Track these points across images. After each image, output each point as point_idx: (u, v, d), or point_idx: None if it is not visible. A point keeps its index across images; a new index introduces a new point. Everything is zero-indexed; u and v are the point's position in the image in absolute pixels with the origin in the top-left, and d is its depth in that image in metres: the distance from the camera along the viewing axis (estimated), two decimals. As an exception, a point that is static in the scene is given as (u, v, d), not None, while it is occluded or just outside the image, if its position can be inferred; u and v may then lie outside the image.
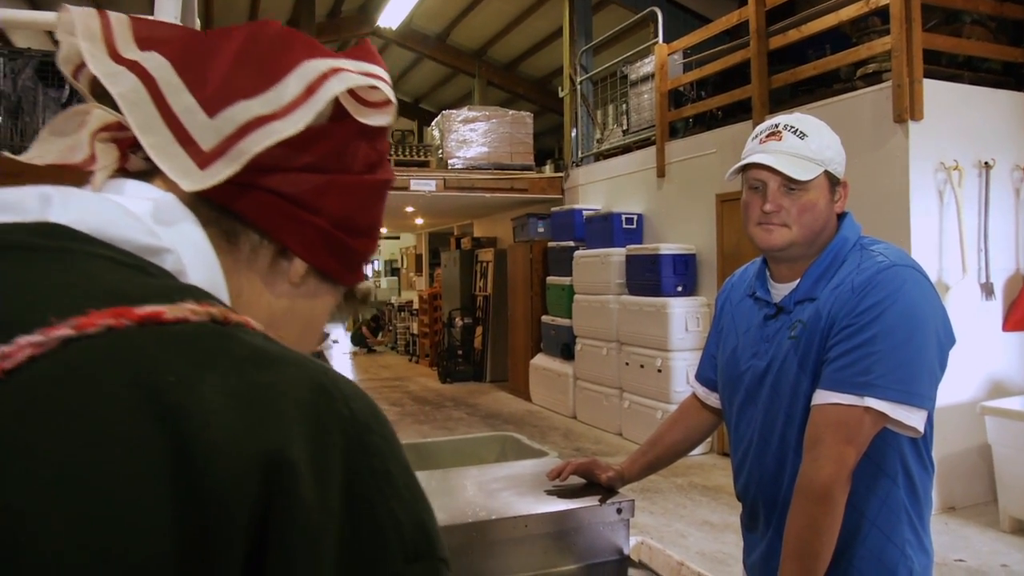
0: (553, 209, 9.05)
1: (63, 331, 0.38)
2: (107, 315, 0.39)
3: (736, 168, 1.62)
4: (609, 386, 7.54)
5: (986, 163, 4.98)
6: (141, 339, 0.40)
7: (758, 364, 1.63)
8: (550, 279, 8.88)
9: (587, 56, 9.23)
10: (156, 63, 0.55)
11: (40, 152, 0.54)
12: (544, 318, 8.99)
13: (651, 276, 6.89)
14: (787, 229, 1.55)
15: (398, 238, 19.45)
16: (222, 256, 0.56)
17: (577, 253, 8.18)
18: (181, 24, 0.65)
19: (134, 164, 0.56)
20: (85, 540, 0.33)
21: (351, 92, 0.58)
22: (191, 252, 0.53)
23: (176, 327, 0.41)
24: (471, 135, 9.31)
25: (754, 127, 6.38)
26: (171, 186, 0.54)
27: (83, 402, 0.36)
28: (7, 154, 0.54)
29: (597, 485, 1.81)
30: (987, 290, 4.97)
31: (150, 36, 0.58)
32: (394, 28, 11.49)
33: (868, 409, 1.40)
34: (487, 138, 9.33)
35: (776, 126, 1.58)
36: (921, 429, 1.43)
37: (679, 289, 6.78)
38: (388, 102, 0.60)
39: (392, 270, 21.00)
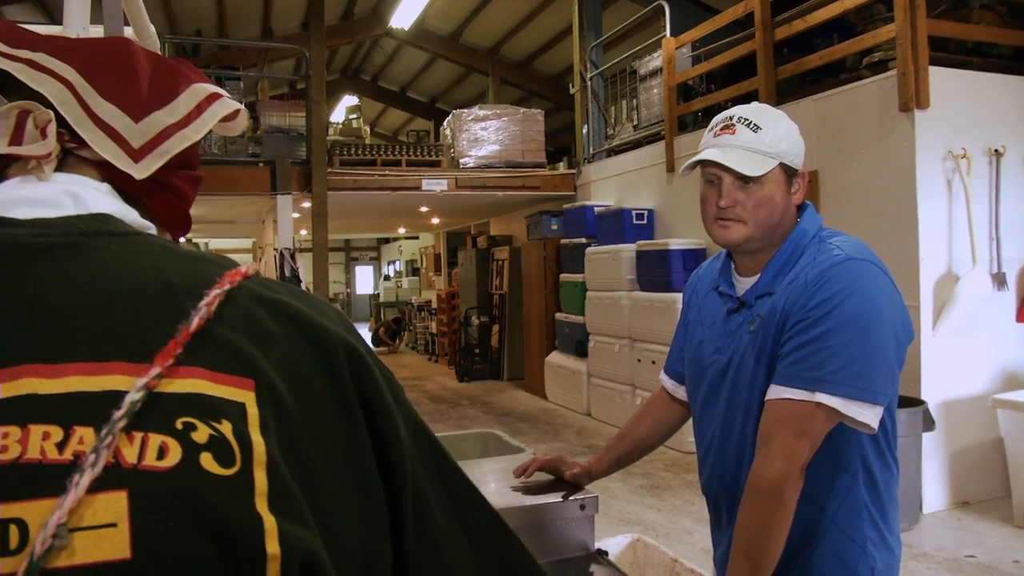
0: (565, 206, 9.01)
1: (227, 286, 0.58)
2: (233, 275, 0.59)
3: (688, 165, 1.60)
4: (622, 383, 7.50)
5: (996, 150, 4.88)
6: (255, 285, 0.60)
7: (720, 359, 1.61)
8: (563, 276, 8.85)
9: (597, 52, 9.18)
10: (57, 65, 0.65)
11: None
12: (558, 315, 8.97)
13: (661, 271, 6.84)
14: (743, 224, 1.53)
15: (417, 238, 19.49)
16: None
17: (589, 250, 8.15)
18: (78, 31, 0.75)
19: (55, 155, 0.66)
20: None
21: None
22: None
23: (256, 278, 0.61)
24: (483, 133, 9.30)
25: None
26: (94, 175, 0.65)
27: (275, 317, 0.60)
28: None
29: (563, 481, 1.80)
30: (999, 280, 4.87)
31: (12, 35, 0.66)
32: (406, 28, 11.52)
33: (820, 405, 1.37)
34: (499, 136, 9.31)
35: (730, 119, 1.56)
36: (874, 426, 1.39)
37: (689, 284, 6.71)
38: (237, 113, 0.73)
39: (413, 270, 21.06)
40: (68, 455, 0.47)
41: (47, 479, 0.46)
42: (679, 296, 6.59)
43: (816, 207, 6.17)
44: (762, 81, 5.89)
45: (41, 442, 0.47)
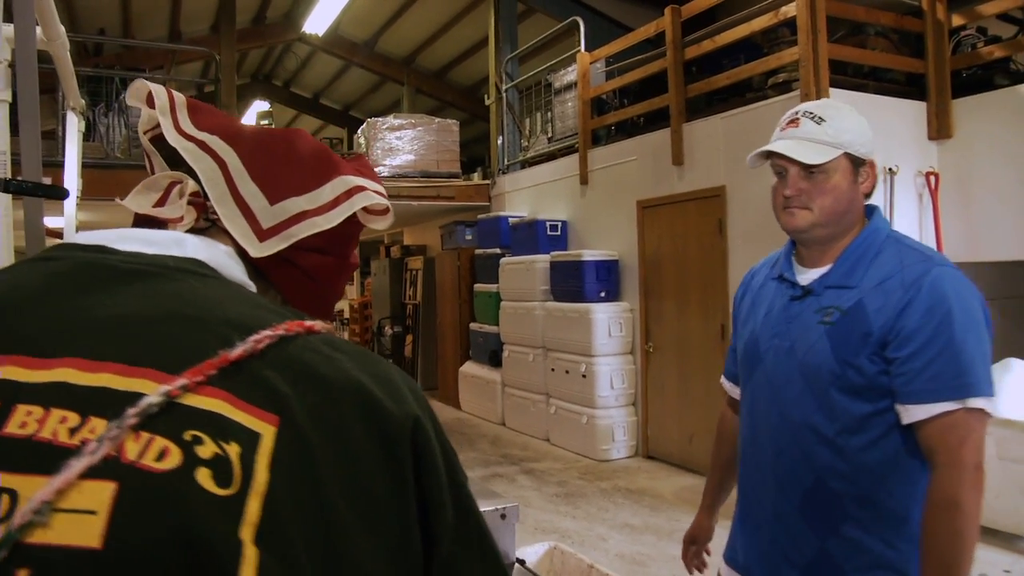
0: (480, 216, 9.04)
1: (281, 331, 0.59)
2: (295, 325, 0.60)
3: (755, 155, 1.67)
4: (536, 392, 7.56)
5: (891, 169, 5.15)
6: (317, 340, 0.61)
7: (780, 344, 1.64)
8: (477, 286, 8.87)
9: (513, 64, 9.26)
10: (222, 148, 0.74)
11: (138, 202, 0.73)
12: (472, 325, 8.98)
13: (575, 282, 6.94)
14: (808, 211, 1.59)
15: (329, 247, 19.20)
16: None
17: (503, 260, 8.19)
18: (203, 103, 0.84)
19: (199, 223, 0.73)
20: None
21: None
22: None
23: (324, 336, 0.62)
24: (397, 143, 9.23)
25: (672, 135, 6.40)
26: (227, 243, 0.73)
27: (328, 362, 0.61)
28: (120, 201, 0.76)
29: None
30: (893, 292, 5.12)
31: (204, 118, 0.76)
32: (320, 35, 11.37)
33: (971, 409, 1.43)
34: (413, 146, 9.26)
35: (796, 113, 1.64)
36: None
37: (602, 295, 6.84)
38: (386, 211, 0.82)
39: (324, 279, 20.72)
40: (76, 440, 0.49)
41: (50, 458, 0.48)
42: (592, 306, 6.72)
43: (724, 222, 6.30)
44: (673, 98, 6.06)
45: (57, 424, 0.50)
